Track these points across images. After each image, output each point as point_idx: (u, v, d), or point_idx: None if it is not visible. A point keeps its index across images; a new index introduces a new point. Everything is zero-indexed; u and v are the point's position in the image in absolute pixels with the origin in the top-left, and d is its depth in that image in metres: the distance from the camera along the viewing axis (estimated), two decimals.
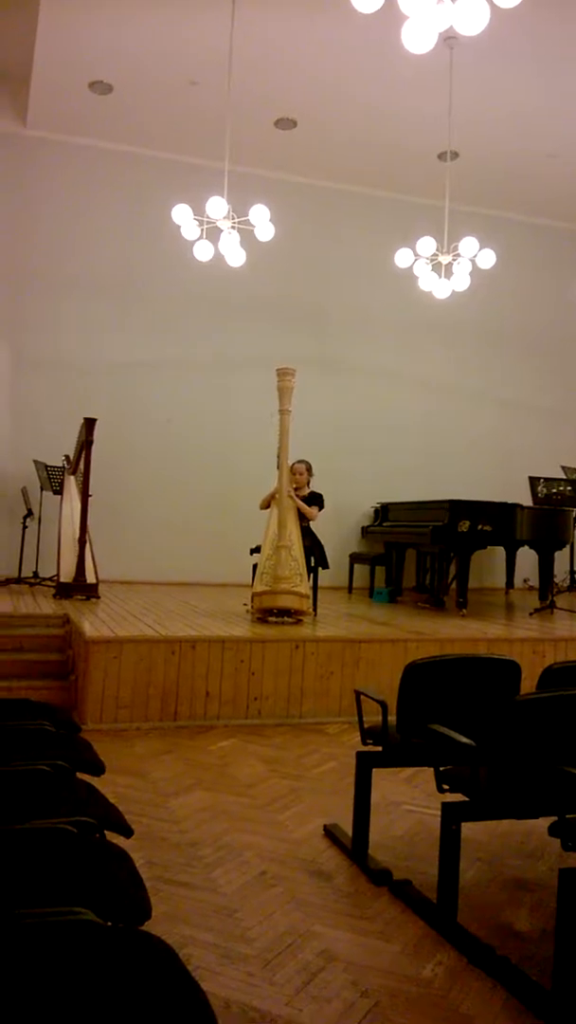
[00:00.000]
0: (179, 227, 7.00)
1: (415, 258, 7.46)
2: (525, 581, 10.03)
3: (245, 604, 6.81)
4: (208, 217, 6.82)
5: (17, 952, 1.34)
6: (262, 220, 6.81)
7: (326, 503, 7.13)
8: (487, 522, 7.59)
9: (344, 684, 5.56)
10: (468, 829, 2.94)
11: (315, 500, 7.00)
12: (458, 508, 7.63)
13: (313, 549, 6.93)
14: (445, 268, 7.53)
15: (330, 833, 3.55)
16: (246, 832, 3.55)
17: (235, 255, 7.15)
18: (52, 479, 8.09)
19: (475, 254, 7.30)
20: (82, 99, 8.36)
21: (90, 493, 7.43)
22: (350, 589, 9.36)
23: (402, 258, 7.45)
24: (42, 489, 8.30)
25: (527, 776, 2.59)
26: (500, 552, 9.59)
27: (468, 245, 7.27)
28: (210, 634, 5.55)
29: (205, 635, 5.51)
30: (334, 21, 6.73)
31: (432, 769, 2.91)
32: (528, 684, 3.35)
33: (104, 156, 9.31)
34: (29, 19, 7.17)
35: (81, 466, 7.54)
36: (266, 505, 6.95)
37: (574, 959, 2.25)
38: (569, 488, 7.88)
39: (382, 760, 3.35)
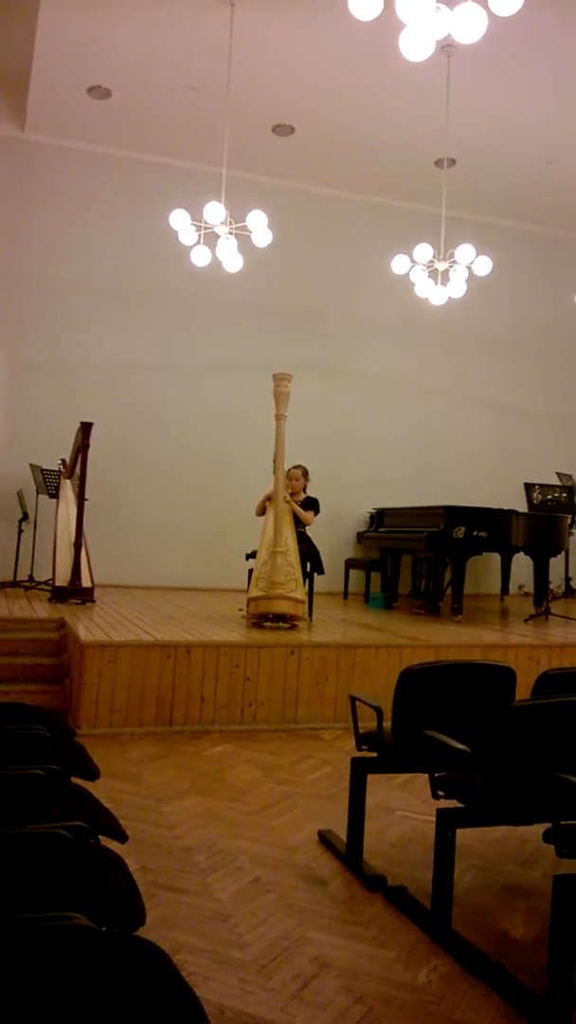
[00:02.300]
0: (177, 232, 7.01)
1: (412, 265, 7.48)
2: (520, 587, 10.03)
3: (240, 609, 6.81)
4: (206, 222, 6.83)
5: (10, 957, 1.34)
6: (259, 226, 6.83)
7: (322, 508, 7.14)
8: (482, 528, 7.60)
9: (339, 690, 5.55)
10: (463, 835, 2.94)
11: (311, 505, 7.00)
12: (454, 514, 7.63)
13: (309, 554, 6.93)
14: (442, 275, 7.55)
15: (324, 839, 3.54)
16: (240, 838, 3.54)
17: (232, 260, 7.17)
18: (48, 483, 8.08)
19: (471, 261, 7.32)
20: (81, 104, 8.37)
21: (86, 497, 7.43)
22: (345, 595, 9.36)
23: (399, 265, 7.47)
24: (38, 492, 8.30)
25: (522, 783, 2.59)
26: (495, 558, 9.61)
27: (465, 252, 7.29)
28: (205, 639, 5.55)
29: (200, 640, 5.50)
30: (332, 28, 6.75)
31: (427, 775, 2.91)
32: (523, 691, 3.35)
33: (102, 161, 9.33)
34: (28, 23, 7.18)
35: (77, 470, 7.53)
36: (261, 511, 6.95)
37: (568, 966, 2.25)
38: (564, 495, 7.91)
39: (377, 766, 3.35)
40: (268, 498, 6.81)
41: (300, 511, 6.86)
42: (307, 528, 6.96)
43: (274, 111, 8.36)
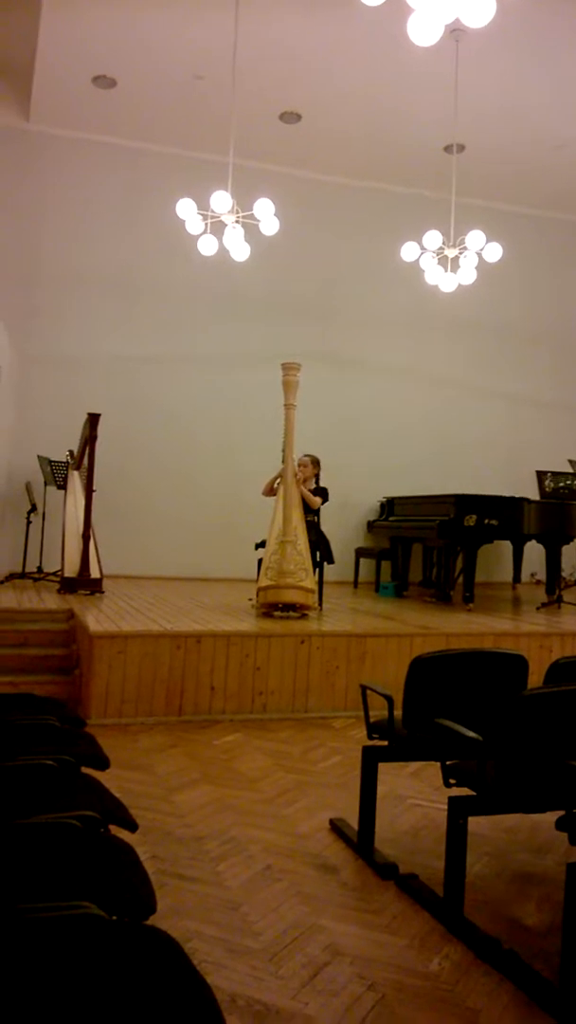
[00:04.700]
0: (183, 221, 6.99)
1: (421, 252, 7.43)
2: (532, 575, 10.00)
3: (250, 599, 6.81)
4: (212, 211, 6.80)
5: (23, 946, 1.34)
6: (267, 214, 6.79)
7: (332, 497, 7.11)
8: (494, 516, 7.56)
9: (350, 679, 5.55)
10: (474, 823, 2.93)
11: (319, 494, 6.98)
12: (464, 502, 7.60)
13: (319, 544, 6.91)
14: (451, 262, 7.50)
15: (336, 827, 3.54)
16: (251, 826, 3.54)
17: (240, 249, 7.14)
18: (56, 474, 8.09)
19: (482, 248, 7.26)
20: (85, 93, 8.34)
21: (94, 488, 7.43)
22: (356, 584, 9.35)
23: (408, 252, 7.42)
24: (46, 484, 8.31)
25: (534, 771, 2.58)
26: (507, 546, 9.57)
27: (475, 239, 7.24)
28: (215, 629, 5.55)
29: (210, 630, 5.51)
30: (339, 14, 6.70)
31: (438, 763, 2.90)
32: (535, 679, 3.33)
33: (108, 151, 9.29)
34: (32, 13, 7.15)
35: (85, 461, 7.53)
36: (268, 490, 6.93)
37: None
38: None
39: (388, 754, 3.35)
40: (277, 480, 6.81)
41: (308, 494, 6.83)
42: (317, 517, 6.94)
43: (280, 99, 8.31)
